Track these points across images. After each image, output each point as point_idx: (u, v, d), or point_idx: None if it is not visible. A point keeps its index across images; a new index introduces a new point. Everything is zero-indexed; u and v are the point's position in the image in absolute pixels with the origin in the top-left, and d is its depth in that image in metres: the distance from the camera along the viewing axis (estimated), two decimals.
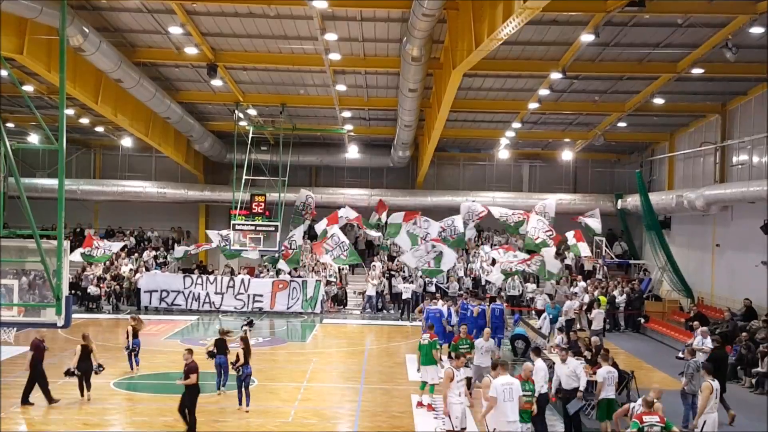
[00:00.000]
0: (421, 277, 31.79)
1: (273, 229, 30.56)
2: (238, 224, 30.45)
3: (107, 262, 33.74)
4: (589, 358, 17.07)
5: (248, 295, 32.63)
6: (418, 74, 22.97)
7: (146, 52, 25.43)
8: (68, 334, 24.40)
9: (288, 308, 32.50)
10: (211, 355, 17.93)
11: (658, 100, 27.52)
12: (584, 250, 30.26)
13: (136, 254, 36.30)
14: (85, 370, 17.18)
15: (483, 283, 33.26)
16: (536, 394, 13.25)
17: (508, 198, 38.52)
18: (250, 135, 32.92)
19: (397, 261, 34.23)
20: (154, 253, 36.74)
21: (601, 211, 34.16)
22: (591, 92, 28.35)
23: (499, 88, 28.27)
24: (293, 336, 28.41)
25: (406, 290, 32.32)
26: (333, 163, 40.06)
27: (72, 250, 28.41)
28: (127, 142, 37.60)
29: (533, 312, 31.46)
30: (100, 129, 35.19)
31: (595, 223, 32.60)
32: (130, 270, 34.05)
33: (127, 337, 20.03)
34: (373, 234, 36.67)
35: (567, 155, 38.30)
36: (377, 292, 33.68)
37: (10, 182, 11.69)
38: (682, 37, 21.78)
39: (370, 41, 23.75)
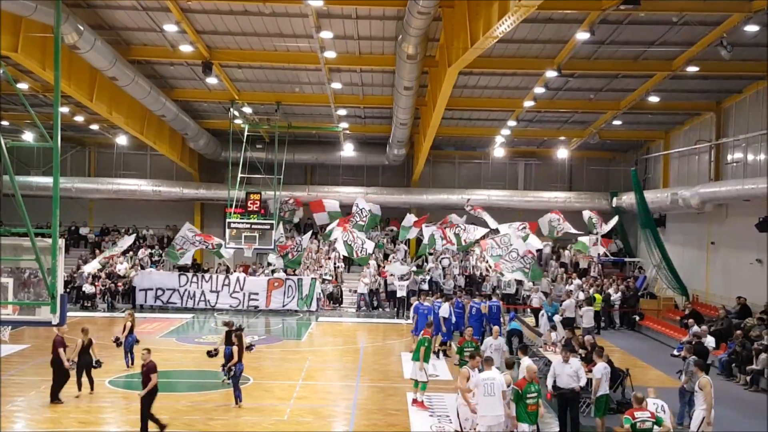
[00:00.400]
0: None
1: (268, 227, 30.54)
2: (233, 222, 30.42)
3: (102, 261, 33.73)
4: (584, 356, 17.10)
5: (244, 294, 32.64)
6: (414, 72, 22.97)
7: (141, 49, 25.38)
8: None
9: (283, 306, 32.50)
10: (210, 355, 17.96)
11: (653, 98, 27.55)
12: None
13: (131, 252, 36.23)
14: (86, 363, 17.28)
15: (479, 280, 33.34)
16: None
17: (503, 196, 38.56)
18: (246, 133, 32.88)
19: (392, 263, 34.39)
20: (149, 251, 36.71)
21: (596, 210, 34.23)
22: (586, 90, 28.38)
23: (494, 86, 28.28)
24: (289, 334, 28.41)
25: (401, 288, 32.37)
26: (328, 161, 40.04)
27: (67, 249, 28.41)
28: (122, 140, 37.54)
29: (528, 310, 31.53)
30: (95, 127, 35.09)
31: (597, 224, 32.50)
32: (128, 267, 34.02)
33: (123, 331, 20.10)
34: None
35: (562, 153, 38.36)
36: (371, 290, 33.75)
37: (4, 180, 11.66)
38: (677, 35, 21.81)
39: (365, 39, 23.75)
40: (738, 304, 25.29)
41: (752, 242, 25.51)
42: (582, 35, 20.24)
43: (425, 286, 32.78)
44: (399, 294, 32.10)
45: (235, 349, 16.66)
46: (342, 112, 32.42)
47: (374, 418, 16.16)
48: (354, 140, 38.38)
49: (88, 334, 17.62)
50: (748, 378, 20.37)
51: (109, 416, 16.28)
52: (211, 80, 27.14)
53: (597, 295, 29.97)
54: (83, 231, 39.64)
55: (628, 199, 35.90)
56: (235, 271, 34.49)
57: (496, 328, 19.11)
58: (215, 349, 18.10)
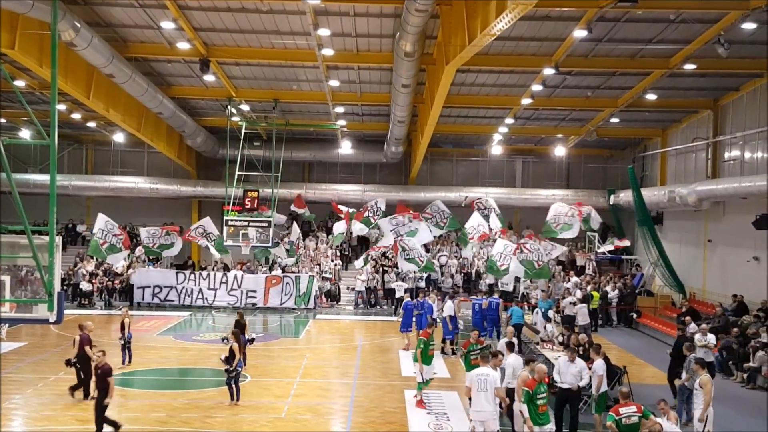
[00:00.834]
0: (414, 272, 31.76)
1: (266, 224, 30.52)
2: (231, 220, 30.39)
3: (99, 258, 33.66)
4: (581, 353, 17.10)
5: (241, 291, 32.65)
6: (411, 70, 22.95)
7: (138, 47, 25.33)
8: (60, 330, 24.41)
9: (281, 304, 32.52)
10: (225, 341, 18.17)
11: (651, 96, 27.56)
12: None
13: (128, 250, 36.14)
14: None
15: (474, 278, 33.35)
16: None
17: (501, 193, 38.52)
18: (243, 130, 32.87)
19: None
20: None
21: (594, 207, 34.15)
22: (584, 88, 28.38)
23: (492, 84, 28.27)
24: (286, 332, 28.42)
25: (399, 287, 32.36)
26: (326, 158, 40.02)
27: (64, 246, 28.34)
28: (119, 137, 37.49)
29: (526, 307, 31.50)
30: (92, 124, 35.05)
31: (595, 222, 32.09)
32: (125, 265, 33.97)
33: (124, 329, 20.10)
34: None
35: (560, 151, 38.37)
36: (368, 288, 33.76)
37: (1, 178, 11.65)
38: (674, 33, 21.81)
39: (363, 37, 23.73)
40: (735, 302, 25.35)
41: (749, 240, 25.55)
42: (579, 33, 20.24)
43: (422, 284, 32.80)
44: (398, 294, 32.07)
45: (235, 346, 16.67)
46: (339, 109, 32.39)
47: (372, 416, 16.16)
48: (352, 138, 38.36)
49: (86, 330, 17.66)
50: (745, 375, 20.41)
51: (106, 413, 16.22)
52: (209, 77, 27.10)
53: (594, 293, 29.99)
54: (80, 229, 39.61)
55: (625, 196, 35.93)
56: (233, 268, 34.47)
57: (510, 329, 18.92)
58: (225, 338, 18.44)
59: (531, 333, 24.26)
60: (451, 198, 37.81)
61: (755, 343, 20.79)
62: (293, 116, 34.57)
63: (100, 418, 13.89)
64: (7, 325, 20.65)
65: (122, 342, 20.07)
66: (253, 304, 32.31)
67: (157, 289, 32.60)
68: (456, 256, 35.93)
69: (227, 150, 32.87)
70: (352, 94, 30.38)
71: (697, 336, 19.07)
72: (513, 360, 14.58)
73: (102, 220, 29.27)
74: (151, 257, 35.24)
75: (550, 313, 24.09)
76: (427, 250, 34.60)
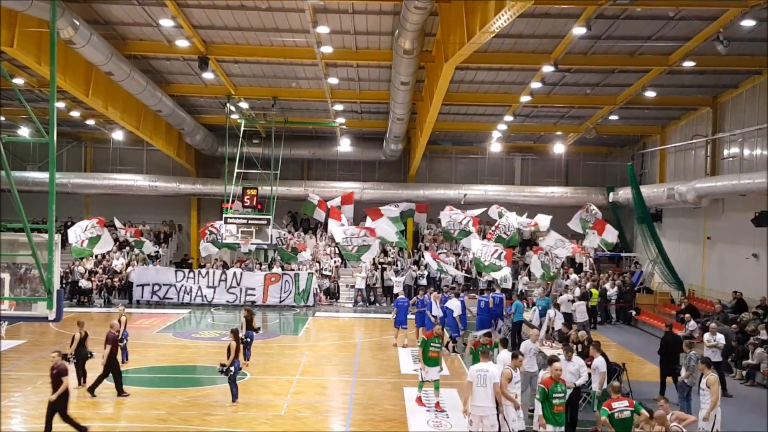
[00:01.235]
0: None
1: (265, 222, 30.50)
2: (230, 218, 30.38)
3: (98, 256, 33.68)
4: (580, 350, 17.13)
5: (240, 289, 32.67)
6: (410, 67, 22.94)
7: (137, 44, 25.29)
8: (59, 328, 24.43)
9: (280, 301, 32.54)
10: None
11: (650, 93, 27.57)
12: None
13: (128, 248, 36.18)
14: (83, 356, 17.33)
15: (474, 276, 33.32)
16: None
17: (500, 191, 38.52)
18: (242, 128, 32.84)
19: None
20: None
21: (593, 204, 34.13)
22: (583, 85, 28.37)
23: (491, 81, 28.27)
24: (285, 329, 28.42)
25: (397, 284, 32.35)
26: (325, 156, 40.00)
27: (63, 244, 28.34)
28: (118, 135, 37.44)
29: (525, 305, 31.52)
30: (90, 122, 35.02)
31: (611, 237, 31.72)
32: (124, 263, 33.97)
33: (122, 327, 20.05)
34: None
35: (559, 148, 38.36)
36: (368, 285, 33.77)
37: (0, 176, 11.64)
38: (673, 30, 21.81)
39: (362, 34, 23.70)
40: (734, 299, 25.38)
41: (748, 237, 25.56)
42: (578, 30, 20.24)
43: (423, 282, 32.79)
44: (395, 290, 32.07)
45: (233, 345, 16.68)
46: (339, 107, 32.36)
47: (371, 413, 16.18)
48: (351, 135, 38.35)
49: (84, 327, 17.72)
50: (744, 373, 20.43)
51: (104, 412, 16.22)
52: (208, 75, 27.08)
53: (594, 290, 30.01)
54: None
55: (624, 194, 35.93)
56: (233, 266, 34.47)
57: (534, 332, 18.86)
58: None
59: (530, 330, 24.28)
60: (450, 195, 37.87)
61: (754, 340, 20.81)
62: (292, 114, 34.54)
63: (49, 420, 13.63)
64: (6, 322, 20.67)
65: (121, 341, 20.01)
66: (252, 302, 32.27)
67: (156, 287, 32.60)
68: (455, 253, 35.92)
69: (226, 148, 32.86)
70: (351, 91, 30.36)
71: (706, 336, 19.11)
72: (503, 355, 14.55)
73: (72, 234, 30.19)
74: (147, 257, 35.18)
75: (550, 311, 24.09)
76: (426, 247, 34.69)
